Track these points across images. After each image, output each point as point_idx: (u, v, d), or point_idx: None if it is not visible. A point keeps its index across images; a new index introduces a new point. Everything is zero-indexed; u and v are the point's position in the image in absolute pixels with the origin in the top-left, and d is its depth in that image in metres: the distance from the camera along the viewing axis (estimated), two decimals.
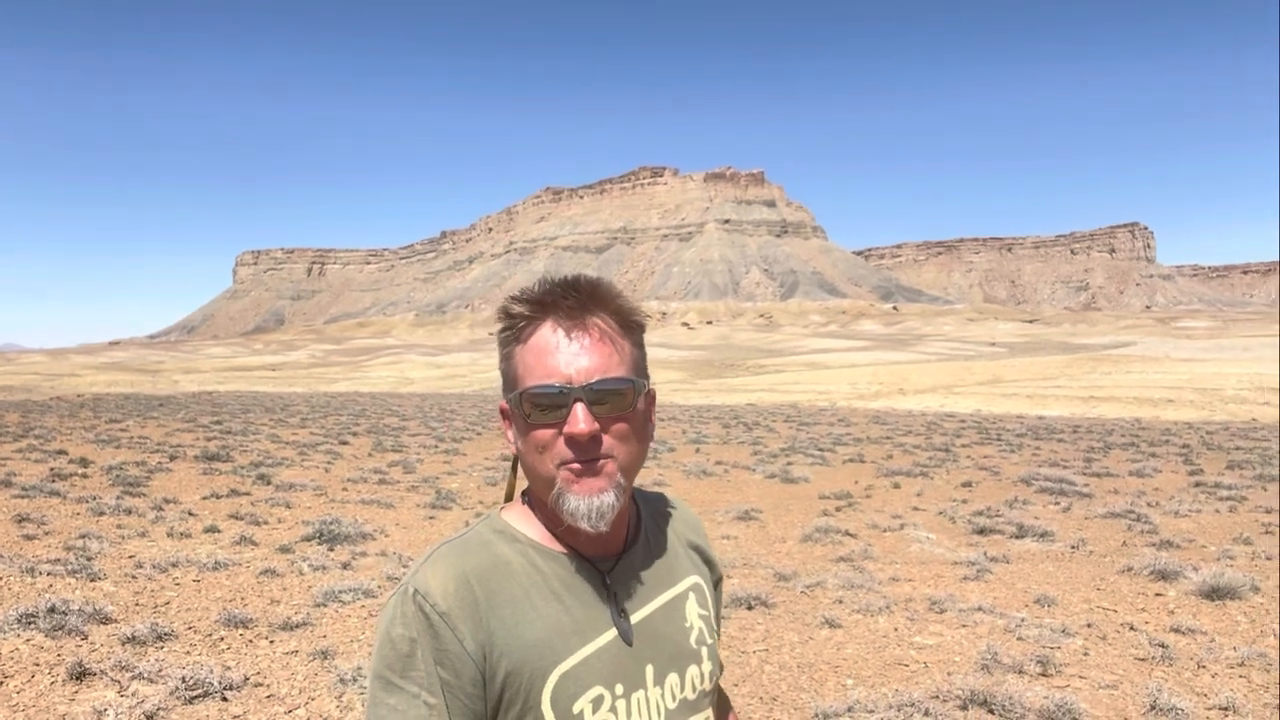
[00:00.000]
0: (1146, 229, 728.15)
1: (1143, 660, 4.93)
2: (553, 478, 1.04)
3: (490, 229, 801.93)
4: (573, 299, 1.06)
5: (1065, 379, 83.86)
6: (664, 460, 17.09)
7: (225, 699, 4.06)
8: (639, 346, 1.11)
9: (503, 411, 1.12)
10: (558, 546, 1.10)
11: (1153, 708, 4.11)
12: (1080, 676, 4.64)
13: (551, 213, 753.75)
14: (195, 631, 5.18)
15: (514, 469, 1.19)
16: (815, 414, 40.95)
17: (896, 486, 13.29)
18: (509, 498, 1.22)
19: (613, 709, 1.04)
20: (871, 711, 4.01)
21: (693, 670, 1.14)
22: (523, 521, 1.13)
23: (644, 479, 13.57)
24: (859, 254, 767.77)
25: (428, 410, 38.45)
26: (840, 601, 6.17)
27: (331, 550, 7.79)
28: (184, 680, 4.04)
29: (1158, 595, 6.42)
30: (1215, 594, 6.23)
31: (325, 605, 5.86)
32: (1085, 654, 5.04)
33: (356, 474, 13.77)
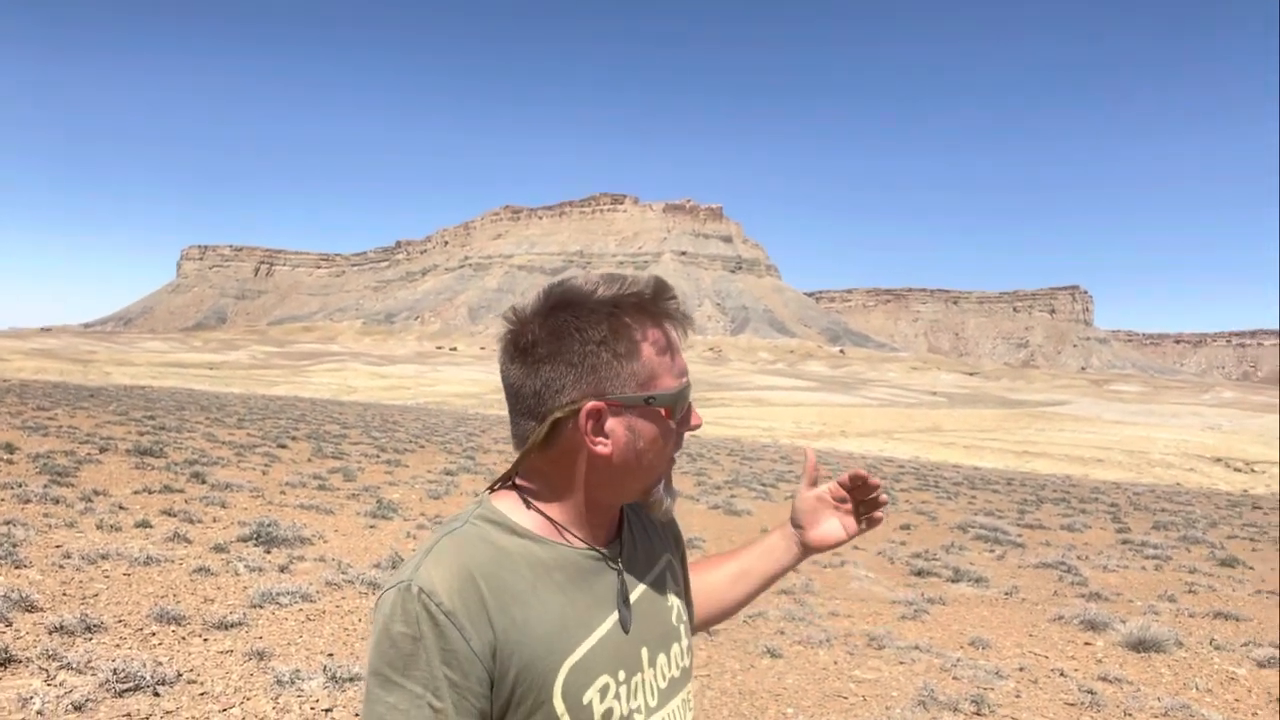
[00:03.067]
0: (1086, 292, 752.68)
1: (1072, 705, 5.06)
2: (662, 471, 1.11)
3: (446, 242, 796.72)
4: (674, 299, 1.09)
5: (1001, 432, 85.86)
6: None
7: (157, 694, 3.94)
8: None
9: (596, 413, 1.04)
10: (556, 536, 1.10)
11: None
12: (1013, 718, 4.74)
13: (509, 231, 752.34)
14: (126, 625, 5.02)
15: (522, 458, 1.11)
16: (759, 449, 41.25)
17: None
18: (500, 484, 1.15)
19: (617, 695, 1.05)
20: None
21: (675, 648, 1.17)
22: (518, 512, 1.11)
23: None
24: (810, 295, 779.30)
25: (370, 420, 37.83)
26: (781, 632, 6.22)
27: (269, 552, 7.62)
28: (115, 673, 3.91)
29: (1087, 644, 6.60)
30: (1141, 646, 6.43)
31: (262, 607, 5.73)
32: (1017, 696, 5.16)
33: (295, 478, 13.47)
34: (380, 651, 0.98)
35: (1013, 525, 14.98)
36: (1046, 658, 6.15)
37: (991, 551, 11.65)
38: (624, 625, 1.09)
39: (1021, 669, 5.75)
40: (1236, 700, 5.43)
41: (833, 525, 1.34)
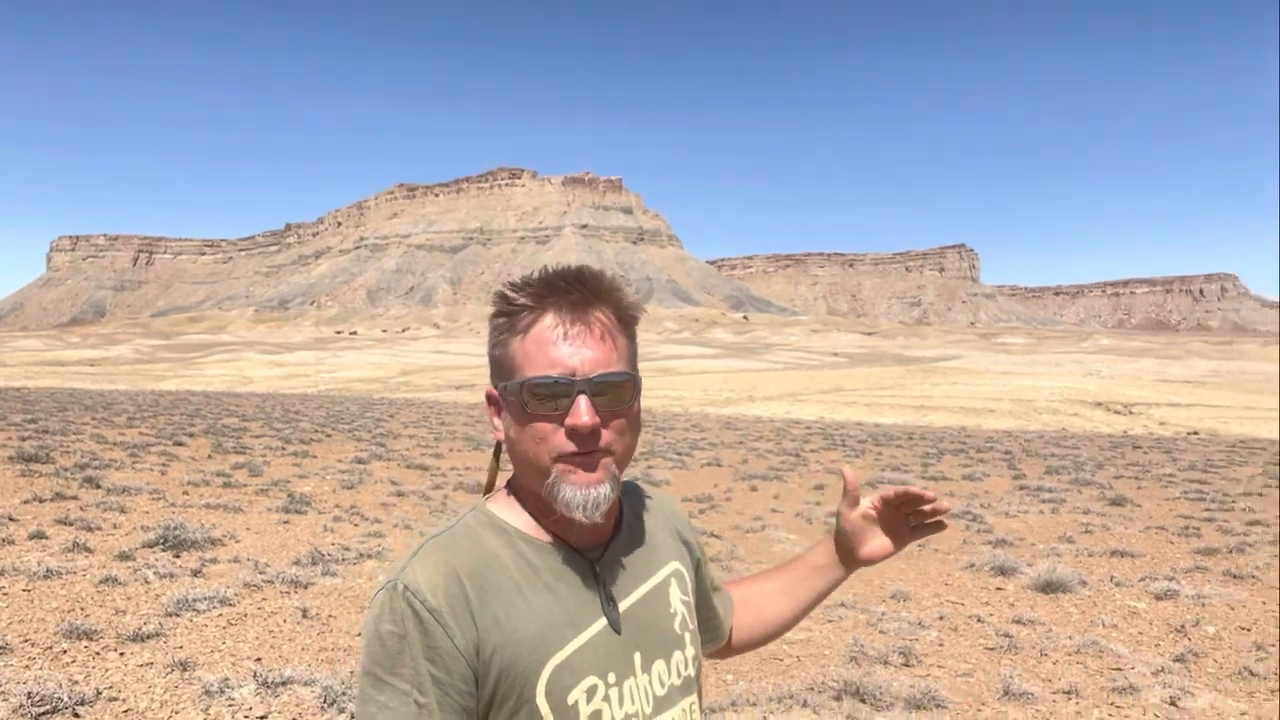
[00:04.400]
0: (972, 250, 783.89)
1: (992, 649, 5.33)
2: (548, 468, 1.04)
3: (339, 223, 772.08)
4: (578, 292, 1.06)
5: (899, 389, 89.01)
6: None
7: (77, 715, 3.74)
8: (633, 340, 1.12)
9: (490, 398, 1.12)
10: (545, 537, 1.10)
11: (1006, 693, 4.45)
12: (939, 666, 4.96)
13: (405, 210, 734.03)
14: (33, 644, 4.74)
15: (496, 457, 1.17)
16: (670, 419, 41.71)
17: (754, 489, 13.74)
18: (490, 487, 1.20)
19: (606, 698, 1.05)
20: (754, 704, 4.15)
21: (677, 656, 1.15)
22: (509, 512, 1.12)
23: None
24: (712, 264, 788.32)
25: (270, 411, 36.54)
26: None
27: (178, 557, 7.29)
28: (29, 696, 3.68)
29: (999, 589, 6.94)
30: (1049, 588, 6.80)
31: (178, 615, 5.49)
32: (940, 644, 5.39)
33: (197, 477, 12.92)
34: (370, 651, 1.01)
35: (918, 479, 15.60)
36: (963, 605, 6.44)
37: None
38: (614, 627, 1.08)
39: (941, 618, 6.01)
40: (1140, 633, 5.81)
41: (881, 541, 1.34)
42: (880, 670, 4.77)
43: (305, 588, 6.39)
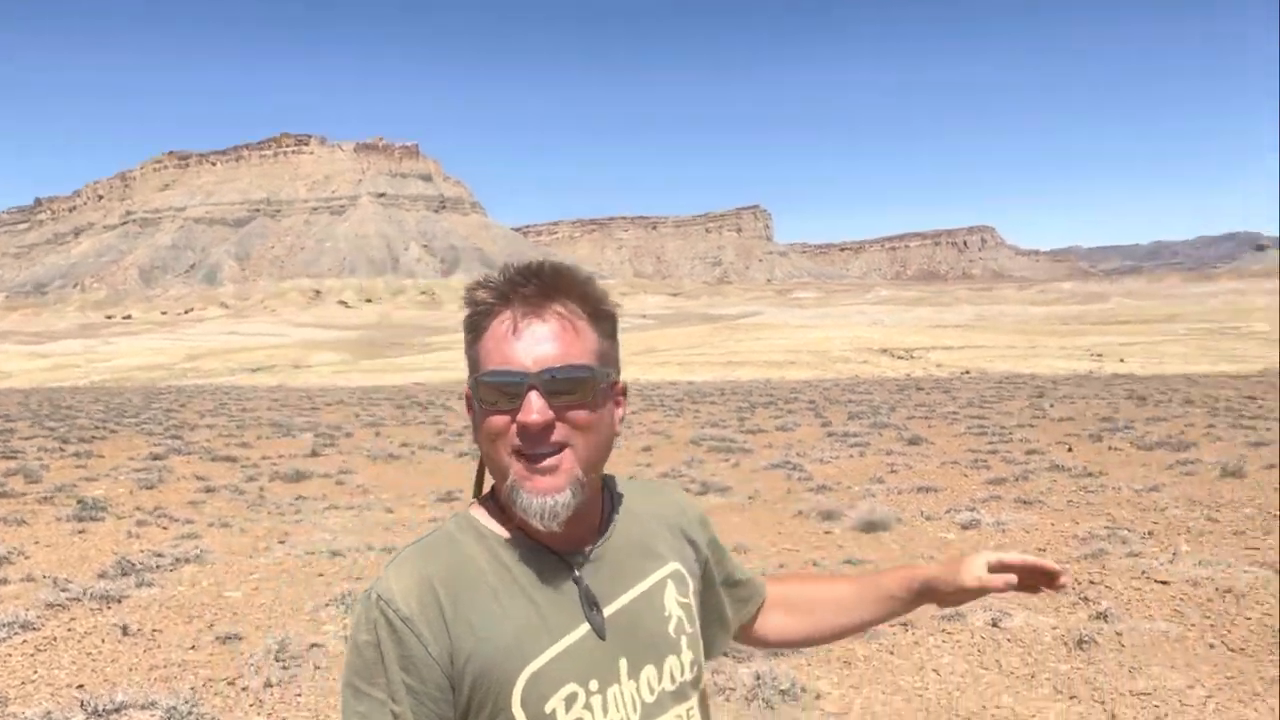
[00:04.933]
0: (766, 211, 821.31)
1: None
2: (506, 468, 1.02)
3: (101, 196, 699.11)
4: (533, 286, 1.03)
5: (708, 346, 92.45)
6: (342, 445, 16.26)
7: None
8: (608, 336, 1.09)
9: (467, 399, 1.09)
10: (526, 541, 1.07)
11: None
12: None
13: (178, 180, 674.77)
14: None
15: (482, 462, 1.14)
16: None
17: None
18: (477, 491, 1.17)
19: (587, 706, 1.03)
20: None
21: (671, 661, 1.12)
22: (490, 517, 1.10)
23: (329, 464, 12.83)
24: (518, 231, 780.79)
25: (38, 408, 32.86)
26: None
27: None
28: None
29: (827, 533, 7.42)
30: (871, 527, 7.34)
31: None
32: None
33: None
34: (350, 663, 1.03)
35: (738, 433, 16.29)
36: (799, 551, 6.84)
37: (727, 460, 12.63)
38: (599, 633, 1.06)
39: (782, 565, 6.36)
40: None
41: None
42: None
43: (119, 602, 5.85)
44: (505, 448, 1.02)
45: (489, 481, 1.13)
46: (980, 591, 1.23)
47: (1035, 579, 1.22)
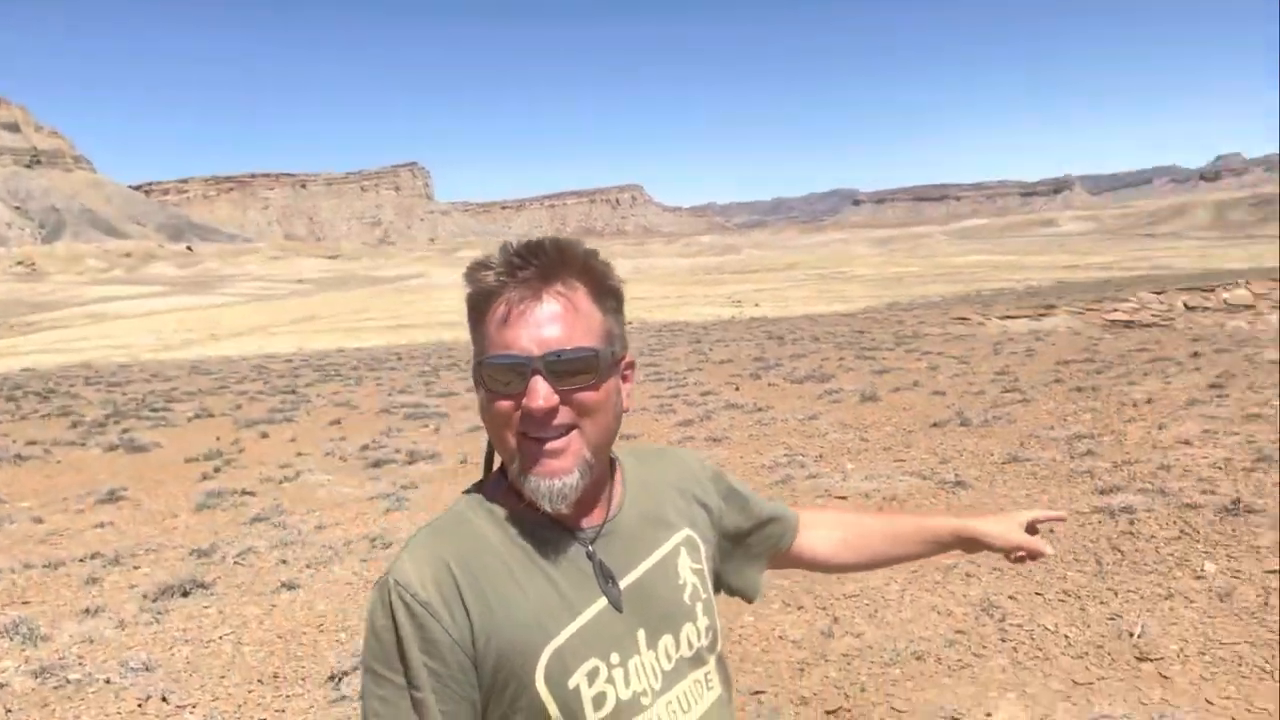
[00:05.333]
0: (424, 169, 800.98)
1: None
2: (514, 451, 1.03)
3: None
4: (535, 265, 1.02)
5: (374, 310, 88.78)
6: None
7: None
8: (613, 314, 1.09)
9: (475, 379, 1.09)
10: (539, 518, 1.06)
11: None
12: None
13: None
14: None
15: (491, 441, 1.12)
16: (121, 372, 36.19)
17: (265, 436, 12.82)
18: (487, 470, 1.15)
19: (609, 679, 1.04)
20: None
21: (688, 628, 1.14)
22: (503, 494, 1.09)
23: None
24: (138, 189, 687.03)
25: None
26: (284, 562, 5.92)
27: None
28: None
29: None
30: None
31: None
32: None
33: None
34: (369, 647, 1.02)
35: (429, 398, 15.98)
36: None
37: (426, 426, 12.38)
38: (615, 606, 1.07)
39: None
40: None
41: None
42: None
43: None
44: (511, 431, 1.02)
45: (497, 460, 1.11)
46: (1026, 550, 1.39)
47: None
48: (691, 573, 1.18)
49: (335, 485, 8.57)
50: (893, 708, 3.38)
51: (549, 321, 1.01)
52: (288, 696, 3.91)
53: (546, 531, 1.07)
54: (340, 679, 3.88)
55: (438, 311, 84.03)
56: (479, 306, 1.05)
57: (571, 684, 1.02)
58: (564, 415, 1.02)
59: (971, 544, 1.42)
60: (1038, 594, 4.36)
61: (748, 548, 1.33)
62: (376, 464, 9.55)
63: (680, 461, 1.29)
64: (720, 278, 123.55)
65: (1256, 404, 9.17)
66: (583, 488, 1.04)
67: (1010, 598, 4.35)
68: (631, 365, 1.13)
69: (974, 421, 9.27)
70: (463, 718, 1.01)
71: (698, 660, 1.15)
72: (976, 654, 3.83)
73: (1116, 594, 4.35)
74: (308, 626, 4.71)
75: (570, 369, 1.01)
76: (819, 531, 1.41)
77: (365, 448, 10.59)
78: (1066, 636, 3.90)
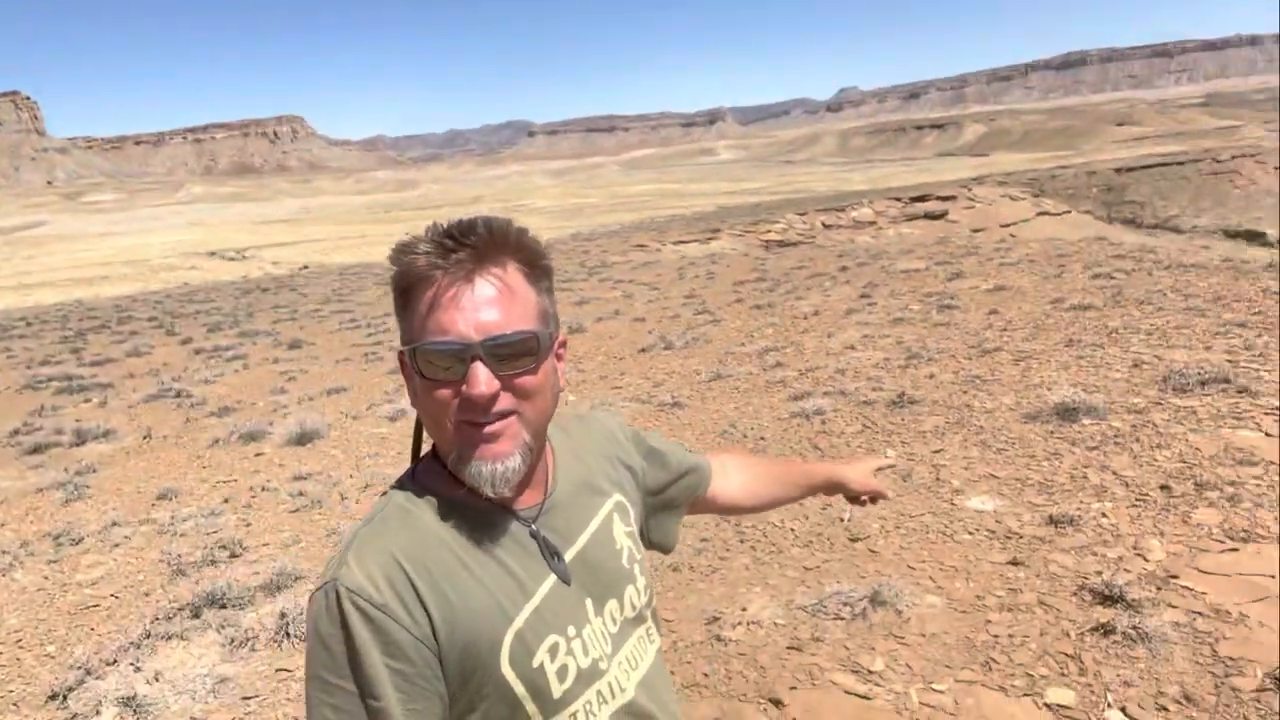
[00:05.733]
0: (31, 100, 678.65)
1: (295, 511, 5.55)
2: (452, 438, 1.01)
3: None
4: (469, 247, 0.99)
5: None
6: None
7: None
8: (547, 293, 1.07)
9: (401, 362, 1.05)
10: (479, 502, 1.05)
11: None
12: (266, 544, 5.00)
13: None
14: None
15: (420, 424, 1.09)
16: None
17: None
18: (415, 455, 1.11)
19: (569, 651, 1.07)
20: (89, 667, 3.64)
21: (630, 591, 1.17)
22: (439, 481, 1.06)
23: None
24: None
25: None
26: None
27: None
28: None
29: (259, 455, 7.06)
30: (305, 439, 7.21)
31: None
32: (249, 524, 5.38)
33: None
34: (315, 655, 0.97)
35: (81, 368, 13.94)
36: (238, 480, 6.42)
37: (88, 401, 10.83)
38: (564, 579, 1.08)
39: (227, 500, 5.93)
40: (399, 454, 6.71)
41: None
42: (217, 570, 4.60)
43: None
44: (449, 417, 0.99)
45: (426, 442, 1.08)
46: (877, 493, 1.61)
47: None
48: (625, 535, 1.21)
49: None
50: (663, 618, 3.65)
51: (486, 305, 0.98)
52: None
53: (490, 516, 1.06)
54: (65, 695, 3.41)
55: (71, 266, 72.80)
56: (408, 290, 1.00)
57: (535, 663, 1.03)
58: (504, 400, 1.00)
59: (836, 487, 1.59)
60: None
61: (669, 500, 1.37)
62: (35, 450, 8.22)
63: (602, 426, 1.31)
64: (401, 214, 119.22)
65: (898, 309, 10.75)
66: (524, 471, 1.03)
67: None
68: (564, 343, 1.12)
69: (676, 344, 9.95)
70: (434, 714, 0.98)
71: (639, 619, 1.19)
72: (722, 557, 4.23)
73: None
74: (3, 645, 4.04)
75: (511, 353, 0.99)
76: (728, 478, 1.49)
77: (16, 432, 9.06)
78: (792, 530, 4.42)
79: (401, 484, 1.09)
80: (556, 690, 1.05)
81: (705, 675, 3.26)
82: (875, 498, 1.62)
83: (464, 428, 1.00)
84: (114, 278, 62.17)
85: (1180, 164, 56.37)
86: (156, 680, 3.46)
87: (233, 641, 3.71)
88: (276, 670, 3.54)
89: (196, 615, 4.02)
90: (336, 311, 18.57)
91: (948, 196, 36.63)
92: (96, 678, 3.51)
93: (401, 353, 1.04)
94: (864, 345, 8.80)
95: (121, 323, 22.50)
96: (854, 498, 1.62)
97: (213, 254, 78.83)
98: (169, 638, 3.79)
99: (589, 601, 1.12)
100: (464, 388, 0.97)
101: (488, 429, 0.99)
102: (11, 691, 3.58)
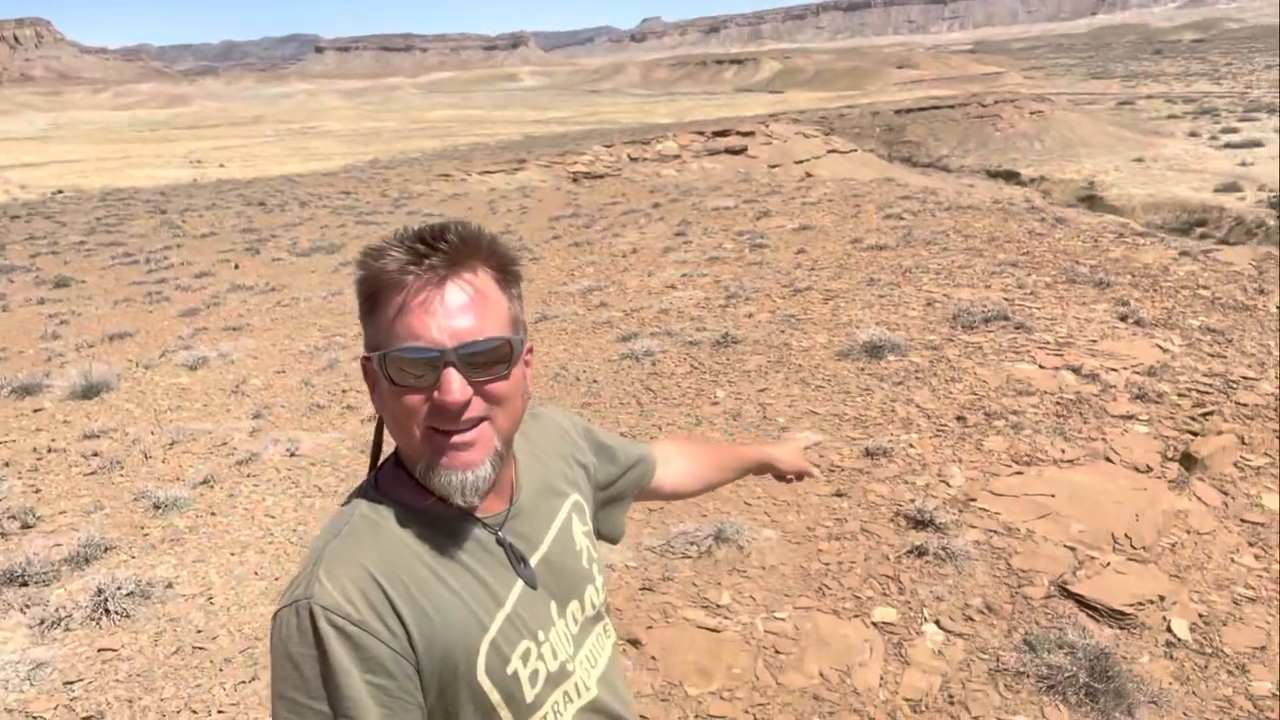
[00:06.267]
0: None
1: (93, 473, 5.07)
2: (420, 446, 0.99)
3: None
4: (441, 253, 0.96)
5: None
6: None
7: None
8: (517, 299, 1.05)
9: (365, 368, 1.03)
10: (448, 510, 1.03)
11: (155, 507, 4.46)
12: (60, 513, 4.55)
13: None
14: None
15: (379, 431, 1.07)
16: None
17: None
18: (374, 462, 1.08)
19: (540, 655, 1.08)
20: None
21: (589, 591, 1.19)
22: (404, 490, 1.03)
23: None
24: None
25: None
26: None
27: None
28: None
29: (38, 410, 6.34)
30: (93, 391, 6.54)
31: None
32: (38, 491, 4.87)
33: None
34: (284, 675, 0.94)
35: None
36: (17, 440, 5.74)
37: None
38: (531, 585, 1.09)
39: (8, 464, 5.31)
40: (206, 406, 6.24)
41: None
42: (5, 544, 4.14)
43: None
44: (418, 425, 0.97)
45: (388, 447, 1.05)
46: (804, 471, 1.67)
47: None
48: (584, 535, 1.22)
49: None
50: None
51: (460, 311, 0.96)
52: None
53: (457, 524, 1.04)
54: None
55: None
56: (376, 294, 0.98)
57: (510, 669, 1.04)
58: (476, 407, 0.98)
59: (766, 467, 1.66)
60: None
61: (618, 493, 1.39)
62: None
63: (556, 425, 1.31)
64: (172, 134, 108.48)
65: (713, 248, 11.10)
66: (494, 479, 1.02)
67: None
68: (531, 349, 1.10)
69: None
70: None
71: (597, 617, 1.22)
72: None
73: (660, 428, 5.15)
74: None
75: (484, 360, 0.98)
76: (670, 466, 1.51)
77: None
78: None
79: (364, 493, 1.06)
80: (529, 695, 1.06)
81: None
82: (801, 475, 1.71)
83: (433, 435, 0.98)
84: None
85: (951, 107, 61.18)
86: None
87: (42, 622, 3.39)
88: (99, 651, 3.27)
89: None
90: (106, 245, 16.76)
91: (747, 132, 37.85)
92: None
93: (367, 358, 1.01)
94: (684, 284, 9.05)
95: None
96: (782, 476, 1.70)
97: None
98: None
99: (553, 604, 1.13)
100: (436, 394, 0.96)
101: (458, 437, 0.98)
102: None
